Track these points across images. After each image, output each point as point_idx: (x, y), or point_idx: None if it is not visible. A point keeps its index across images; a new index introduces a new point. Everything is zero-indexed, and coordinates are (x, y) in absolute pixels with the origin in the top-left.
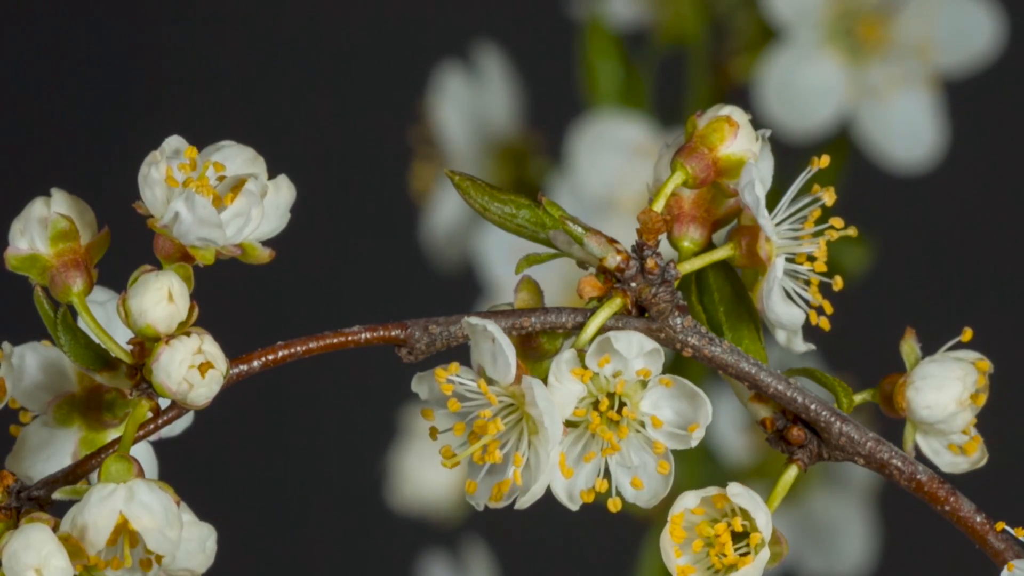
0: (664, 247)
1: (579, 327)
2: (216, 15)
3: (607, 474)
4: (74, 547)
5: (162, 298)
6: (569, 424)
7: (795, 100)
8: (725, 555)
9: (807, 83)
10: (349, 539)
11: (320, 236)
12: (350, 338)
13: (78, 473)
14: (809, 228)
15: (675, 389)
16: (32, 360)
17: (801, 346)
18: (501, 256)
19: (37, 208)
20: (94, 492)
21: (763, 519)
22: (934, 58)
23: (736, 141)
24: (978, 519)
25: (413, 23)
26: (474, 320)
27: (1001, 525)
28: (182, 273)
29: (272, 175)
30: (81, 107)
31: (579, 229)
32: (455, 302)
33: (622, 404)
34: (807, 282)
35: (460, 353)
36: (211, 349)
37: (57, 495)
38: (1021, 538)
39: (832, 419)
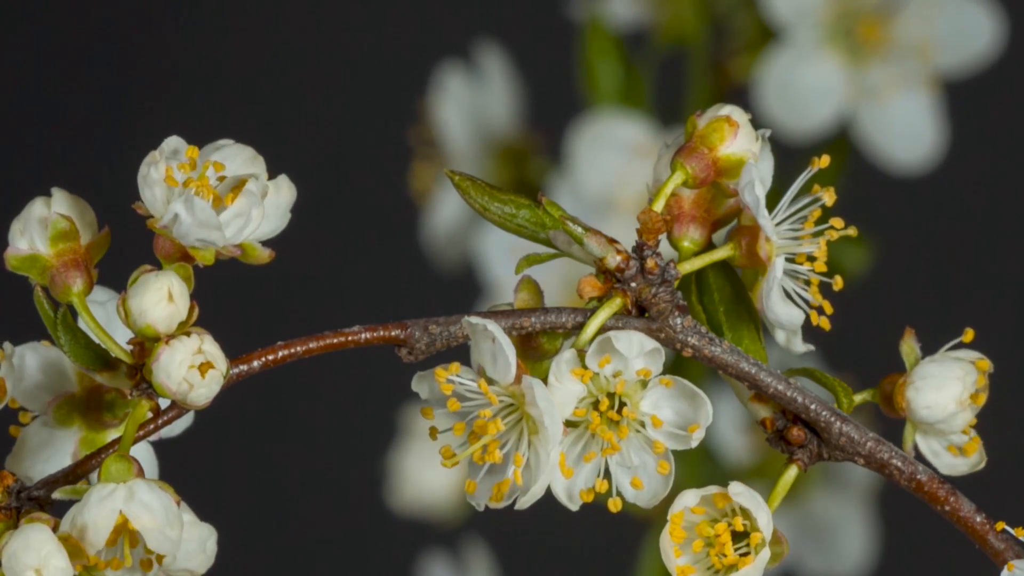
0: (664, 247)
1: (579, 327)
2: (216, 15)
3: (607, 474)
4: (74, 547)
5: (162, 298)
6: (569, 424)
7: (795, 100)
8: (725, 555)
9: (807, 83)
10: (349, 539)
11: (320, 236)
12: (350, 338)
13: (78, 473)
14: (809, 228)
15: (675, 389)
16: (32, 360)
17: (800, 346)
18: (501, 256)
19: (37, 208)
20: (94, 492)
21: (764, 519)
22: (934, 58)
23: (736, 141)
24: (978, 519)
25: (413, 23)
26: (474, 320)
27: (1001, 525)
28: (182, 273)
29: (272, 175)
30: (81, 107)
31: (579, 229)
32: (455, 302)
33: (622, 404)
34: (807, 282)
35: (460, 353)
36: (211, 349)
37: (57, 495)
38: (1021, 538)
39: (832, 419)
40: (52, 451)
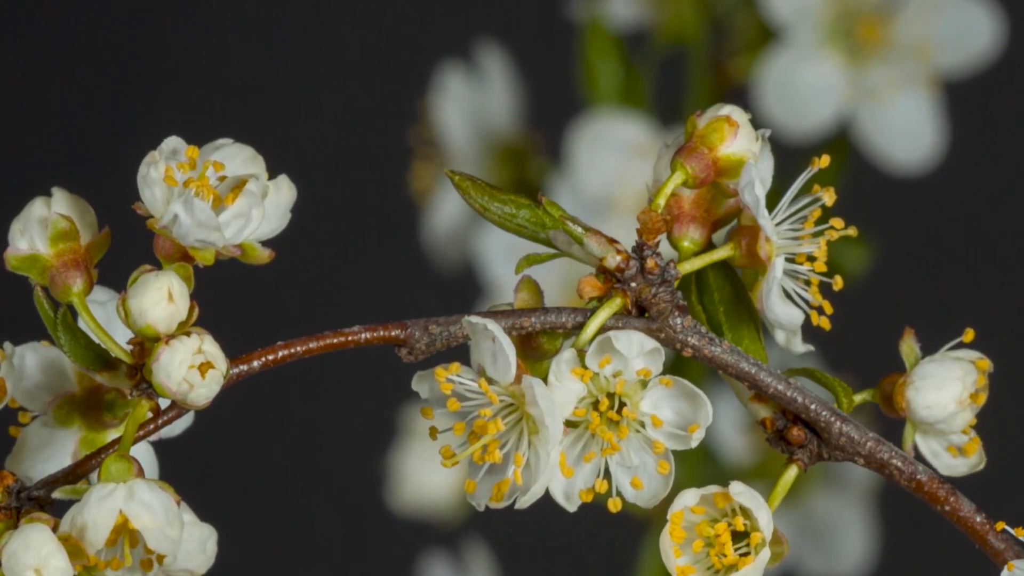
0: (664, 247)
1: (579, 327)
2: (216, 15)
3: (607, 474)
4: (74, 547)
5: (162, 298)
6: (569, 424)
7: (794, 100)
8: (725, 555)
9: (806, 83)
10: (349, 539)
11: (320, 236)
12: (350, 338)
13: (78, 473)
14: (809, 228)
15: (675, 389)
16: (32, 360)
17: (800, 346)
18: (501, 256)
19: (37, 208)
20: (94, 492)
21: (765, 518)
22: (934, 59)
23: (736, 141)
24: (978, 519)
25: (413, 23)
26: (474, 319)
27: (1001, 525)
28: (182, 273)
29: (272, 175)
30: (81, 107)
31: (579, 229)
32: (455, 302)
33: (622, 404)
34: (807, 282)
35: (460, 353)
36: (211, 349)
37: (57, 495)
38: (1021, 538)
39: (832, 419)
40: (52, 451)
